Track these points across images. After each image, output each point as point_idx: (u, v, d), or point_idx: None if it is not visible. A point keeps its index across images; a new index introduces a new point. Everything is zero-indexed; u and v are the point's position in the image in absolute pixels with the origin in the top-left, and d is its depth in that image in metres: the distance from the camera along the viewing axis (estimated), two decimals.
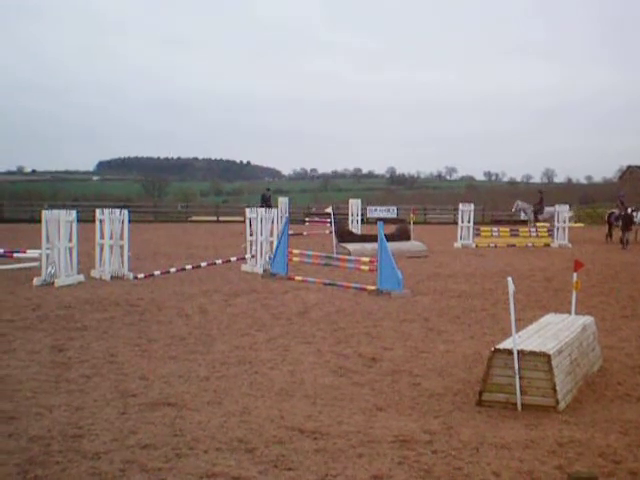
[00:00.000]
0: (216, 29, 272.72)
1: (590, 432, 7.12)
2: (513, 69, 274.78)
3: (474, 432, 7.04)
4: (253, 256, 20.09)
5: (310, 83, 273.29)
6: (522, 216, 40.85)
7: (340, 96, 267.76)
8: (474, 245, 30.36)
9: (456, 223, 32.46)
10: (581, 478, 2.90)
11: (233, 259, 20.25)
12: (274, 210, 20.88)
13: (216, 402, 7.90)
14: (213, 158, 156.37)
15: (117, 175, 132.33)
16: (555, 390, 7.71)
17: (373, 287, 16.14)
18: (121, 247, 18.34)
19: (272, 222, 20.05)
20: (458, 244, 30.41)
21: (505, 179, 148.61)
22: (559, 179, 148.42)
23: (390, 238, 21.26)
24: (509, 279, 7.81)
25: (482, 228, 32.32)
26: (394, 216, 48.86)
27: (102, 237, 18.33)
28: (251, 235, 20.18)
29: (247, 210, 20.87)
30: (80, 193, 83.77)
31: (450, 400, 8.17)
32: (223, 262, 19.94)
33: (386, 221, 25.36)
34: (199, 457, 6.23)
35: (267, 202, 36.55)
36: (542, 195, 39.72)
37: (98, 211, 18.72)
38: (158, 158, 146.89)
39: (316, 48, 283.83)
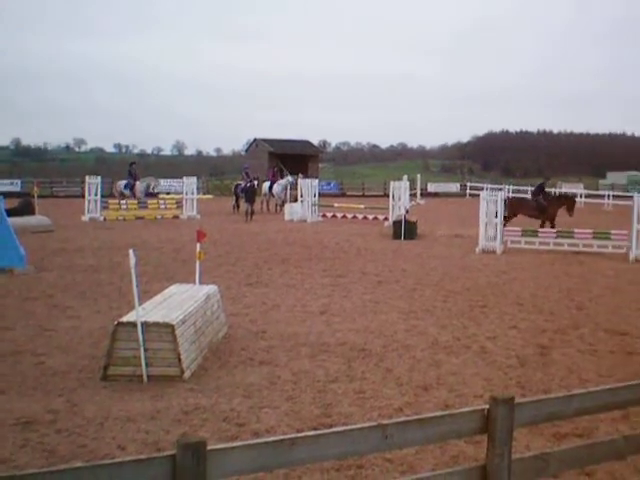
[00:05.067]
0: None
1: (214, 398, 7.35)
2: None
3: (99, 407, 6.95)
4: None
5: None
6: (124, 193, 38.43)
7: None
8: (102, 218, 29.90)
9: (84, 196, 31.65)
10: (189, 443, 2.93)
11: None
12: None
13: None
14: None
15: None
16: (180, 359, 7.84)
17: None
18: None
19: None
20: (86, 218, 29.76)
21: (136, 151, 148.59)
22: (190, 151, 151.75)
23: (12, 213, 20.35)
24: (130, 251, 7.76)
25: (110, 201, 31.93)
26: (18, 190, 46.69)
27: None
28: None
29: None
30: None
31: (75, 377, 7.98)
32: None
33: (8, 195, 24.14)
34: None
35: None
36: (133, 169, 38.39)
37: None
38: None
39: None
